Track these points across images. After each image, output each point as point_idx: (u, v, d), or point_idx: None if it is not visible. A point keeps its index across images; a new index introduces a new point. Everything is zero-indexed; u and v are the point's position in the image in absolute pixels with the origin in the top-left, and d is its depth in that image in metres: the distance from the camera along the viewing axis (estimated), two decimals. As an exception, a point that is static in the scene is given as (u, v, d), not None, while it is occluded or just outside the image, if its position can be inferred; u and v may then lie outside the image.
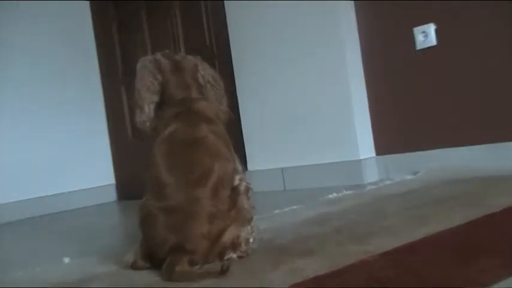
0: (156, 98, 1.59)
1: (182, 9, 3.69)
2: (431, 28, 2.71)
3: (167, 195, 1.42)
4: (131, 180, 4.00)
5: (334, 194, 2.49)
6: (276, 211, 2.25)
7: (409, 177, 2.70)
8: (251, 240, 1.50)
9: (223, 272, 1.28)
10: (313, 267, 1.26)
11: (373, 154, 2.96)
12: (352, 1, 2.96)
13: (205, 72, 1.65)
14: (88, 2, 4.23)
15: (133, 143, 4.05)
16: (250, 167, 3.30)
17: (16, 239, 2.89)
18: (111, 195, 4.14)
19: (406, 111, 2.85)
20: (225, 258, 1.44)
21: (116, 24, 4.12)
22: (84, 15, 4.19)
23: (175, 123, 1.53)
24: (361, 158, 2.91)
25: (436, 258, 1.19)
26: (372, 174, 2.91)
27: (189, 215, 1.39)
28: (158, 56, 1.65)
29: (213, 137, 1.51)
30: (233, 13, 3.33)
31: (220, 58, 3.44)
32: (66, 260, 1.82)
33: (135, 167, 3.97)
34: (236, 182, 1.48)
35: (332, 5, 2.91)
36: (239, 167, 1.55)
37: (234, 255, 1.45)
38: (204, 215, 1.40)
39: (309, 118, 3.05)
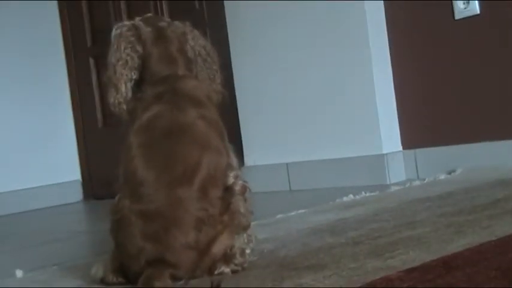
0: (134, 75, 1.58)
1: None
2: (473, -7, 2.71)
3: (145, 195, 1.41)
4: (101, 176, 4.00)
5: (351, 196, 2.50)
6: (279, 216, 2.26)
7: (442, 176, 2.70)
8: (248, 251, 1.50)
9: None
10: (324, 284, 1.27)
11: (400, 148, 2.97)
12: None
13: (196, 42, 1.64)
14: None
15: (104, 130, 4.06)
16: (248, 161, 3.31)
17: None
18: (76, 194, 4.15)
19: (439, 96, 2.85)
20: (216, 272, 1.44)
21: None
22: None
23: (157, 106, 1.52)
24: (384, 152, 2.92)
25: (476, 276, 1.19)
26: (397, 173, 2.92)
27: (171, 221, 1.39)
28: (138, 21, 1.63)
29: (202, 124, 1.50)
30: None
31: (212, 24, 3.44)
32: (19, 273, 1.83)
33: (106, 160, 3.97)
34: (230, 180, 1.48)
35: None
36: (234, 161, 1.55)
37: (227, 269, 1.46)
38: (190, 220, 1.39)
39: (322, 102, 3.05)
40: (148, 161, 1.45)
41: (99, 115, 4.09)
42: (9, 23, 3.98)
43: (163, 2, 3.70)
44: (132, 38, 1.60)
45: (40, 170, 4.00)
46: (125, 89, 1.57)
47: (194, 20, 3.52)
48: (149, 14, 1.70)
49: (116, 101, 1.58)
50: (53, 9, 4.18)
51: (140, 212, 1.41)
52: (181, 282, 1.39)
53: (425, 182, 2.66)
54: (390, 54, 2.97)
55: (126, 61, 1.58)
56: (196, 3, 3.56)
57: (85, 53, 4.13)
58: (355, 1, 2.91)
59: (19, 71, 3.99)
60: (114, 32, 1.63)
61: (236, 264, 1.47)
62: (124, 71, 1.58)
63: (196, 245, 1.40)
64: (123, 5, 3.90)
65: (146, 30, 1.61)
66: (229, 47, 3.33)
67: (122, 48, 1.59)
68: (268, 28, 3.20)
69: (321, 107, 3.06)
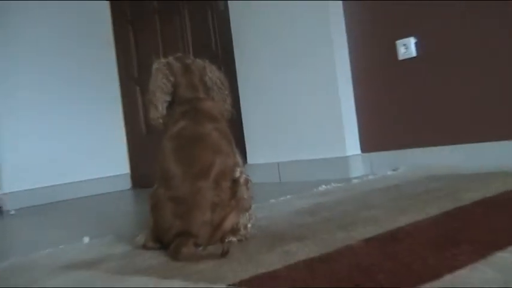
0: (168, 98, 1.59)
1: (191, 18, 3.69)
2: (411, 41, 2.71)
3: (174, 185, 1.42)
4: (144, 170, 4.00)
5: (324, 187, 2.49)
6: (272, 201, 2.25)
7: (389, 172, 2.70)
8: (249, 226, 1.50)
9: (224, 253, 1.29)
10: (304, 251, 1.27)
11: (359, 151, 2.96)
12: (343, 19, 2.95)
13: (213, 74, 1.64)
14: (108, 2, 4.19)
15: (146, 137, 4.05)
16: (250, 160, 3.31)
17: (42, 221, 2.90)
18: (126, 184, 4.14)
19: (389, 113, 2.86)
20: (226, 241, 1.44)
21: (132, 26, 4.10)
22: (103, 16, 4.16)
23: (183, 121, 1.52)
24: (347, 154, 2.91)
25: (414, 245, 1.19)
26: (357, 170, 2.91)
27: (193, 204, 1.39)
28: (171, 59, 1.64)
29: (216, 134, 1.51)
30: (236, 22, 3.33)
31: (225, 62, 3.44)
32: (86, 239, 1.83)
33: (148, 159, 3.97)
34: (237, 174, 1.48)
35: (324, 24, 2.91)
36: (240, 160, 1.55)
37: (234, 239, 1.46)
38: (207, 204, 1.40)
39: (303, 118, 3.06)
40: (177, 161, 1.45)
41: (142, 126, 4.09)
42: (81, 61, 3.98)
43: (189, 44, 3.70)
44: (167, 71, 1.60)
45: (101, 166, 4.00)
46: (161, 108, 1.58)
47: (211, 57, 3.52)
48: (179, 54, 1.70)
49: (155, 117, 1.59)
50: (111, 50, 4.19)
51: (171, 197, 1.41)
52: (201, 249, 1.39)
53: (377, 176, 2.66)
54: (352, 84, 2.97)
55: (162, 88, 1.58)
56: (213, 45, 3.56)
57: (133, 81, 4.13)
58: (327, 52, 2.91)
59: (88, 95, 4.00)
60: (154, 67, 1.63)
61: (241, 235, 1.47)
62: (160, 95, 1.58)
63: (211, 222, 1.40)
64: (160, 45, 3.90)
65: (177, 66, 1.61)
66: (236, 77, 3.33)
67: (159, 78, 1.59)
68: (265, 67, 3.21)
69: (301, 121, 3.06)
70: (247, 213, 1.50)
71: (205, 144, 1.48)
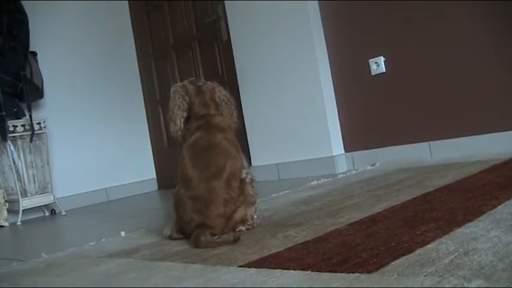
0: (185, 114, 1.58)
1: (201, 50, 3.70)
2: (381, 60, 2.71)
3: (192, 186, 1.42)
4: (167, 175, 4.01)
5: (315, 182, 2.49)
6: (273, 195, 2.26)
7: (368, 167, 2.70)
8: (255, 217, 1.51)
9: (235, 240, 1.29)
10: (301, 235, 1.27)
11: (343, 151, 2.96)
12: (325, 44, 2.95)
13: (221, 93, 1.63)
14: (133, 40, 4.20)
15: (167, 148, 4.06)
16: (253, 163, 3.30)
17: (87, 219, 2.91)
18: (153, 186, 4.14)
19: (366, 119, 2.86)
20: (237, 230, 1.45)
21: (153, 59, 4.12)
22: (130, 51, 4.17)
23: (198, 133, 1.52)
24: (333, 154, 2.91)
25: (390, 226, 1.19)
26: (341, 166, 2.91)
27: (209, 201, 1.40)
28: (186, 82, 1.64)
29: (225, 142, 1.51)
30: (238, 52, 3.33)
31: (229, 83, 3.44)
32: (123, 233, 1.84)
33: (169, 165, 3.97)
34: (243, 175, 1.48)
35: (311, 48, 2.92)
36: (245, 163, 1.55)
37: (243, 228, 1.46)
38: (220, 200, 1.40)
39: (295, 126, 3.05)
40: (194, 165, 1.45)
41: (164, 139, 4.09)
42: (116, 88, 4.00)
43: (200, 71, 3.71)
44: (183, 92, 1.60)
45: (133, 172, 4.00)
46: (179, 123, 1.57)
47: (218, 80, 3.53)
48: (192, 78, 1.70)
49: (174, 130, 1.58)
50: (138, 79, 4.19)
51: (190, 196, 1.41)
52: (216, 237, 1.39)
53: (358, 171, 2.66)
54: (335, 97, 2.96)
55: (180, 106, 1.57)
56: (219, 70, 3.57)
57: (155, 102, 4.14)
58: (313, 72, 2.91)
59: (121, 116, 4.00)
60: (172, 89, 1.63)
61: (249, 225, 1.48)
62: (178, 112, 1.57)
63: (224, 215, 1.41)
64: (176, 74, 3.92)
65: (191, 88, 1.61)
66: (240, 95, 3.33)
67: (177, 98, 1.59)
68: (263, 86, 3.21)
69: (295, 129, 3.06)
70: (253, 207, 1.50)
71: (217, 151, 1.48)
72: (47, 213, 3.40)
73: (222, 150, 1.48)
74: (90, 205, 3.64)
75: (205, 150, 1.48)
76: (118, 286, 1.10)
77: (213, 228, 1.39)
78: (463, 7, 2.36)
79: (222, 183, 1.41)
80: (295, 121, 3.05)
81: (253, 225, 1.49)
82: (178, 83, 1.65)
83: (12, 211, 3.16)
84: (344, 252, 1.02)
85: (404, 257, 0.90)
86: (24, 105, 3.19)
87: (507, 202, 1.21)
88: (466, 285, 0.71)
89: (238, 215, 1.44)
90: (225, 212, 1.40)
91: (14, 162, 3.16)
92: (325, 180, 2.51)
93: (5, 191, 3.20)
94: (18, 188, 3.12)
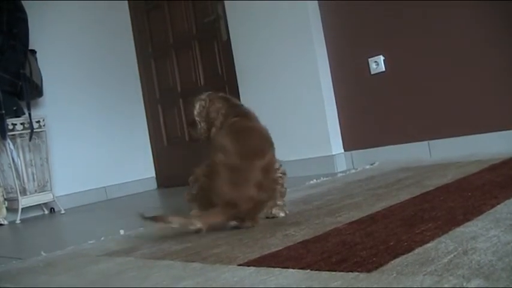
0: (203, 120, 1.66)
1: (201, 49, 3.69)
2: (381, 59, 2.71)
3: (231, 156, 1.41)
4: (166, 173, 4.01)
5: (314, 181, 2.49)
6: (273, 193, 2.25)
7: (367, 166, 2.70)
8: (282, 212, 1.56)
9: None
10: (301, 234, 1.27)
11: (342, 150, 2.96)
12: (324, 44, 2.94)
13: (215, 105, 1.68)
14: (133, 39, 4.20)
15: (167, 147, 4.05)
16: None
17: (86, 218, 2.90)
18: (153, 185, 4.14)
19: (365, 118, 2.86)
20: (271, 215, 1.52)
21: (153, 59, 4.11)
22: (130, 51, 4.16)
23: (234, 119, 1.56)
24: (333, 153, 2.91)
25: (389, 225, 1.19)
26: (341, 165, 2.91)
27: (245, 178, 1.38)
28: (205, 96, 1.69)
29: (265, 130, 1.56)
30: (238, 51, 3.33)
31: (229, 82, 3.45)
32: (122, 232, 1.84)
33: (169, 164, 3.98)
34: (277, 166, 1.52)
35: (310, 47, 2.91)
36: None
37: (282, 214, 1.54)
38: (256, 181, 1.39)
39: (295, 126, 3.05)
40: (234, 140, 1.46)
41: (164, 139, 4.09)
42: (115, 88, 4.00)
43: (200, 70, 3.70)
44: (203, 103, 1.66)
45: (132, 171, 3.99)
46: (200, 126, 1.67)
47: (218, 80, 3.56)
48: (210, 92, 1.73)
49: (199, 132, 1.67)
50: (137, 78, 4.19)
51: (227, 165, 1.39)
52: (234, 222, 1.41)
53: (357, 170, 2.66)
54: (334, 96, 2.97)
55: (199, 113, 1.68)
56: (219, 69, 3.56)
57: (155, 101, 4.13)
58: (313, 72, 2.91)
59: (121, 115, 3.99)
60: (194, 101, 1.69)
61: (284, 212, 1.55)
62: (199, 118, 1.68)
63: (255, 199, 1.40)
64: (176, 73, 3.91)
65: (211, 97, 1.68)
66: (239, 94, 3.33)
67: (197, 107, 1.67)
68: (262, 86, 3.21)
69: (295, 129, 3.06)
70: (282, 200, 1.55)
71: (259, 134, 1.51)
72: (46, 212, 3.40)
73: (264, 135, 1.52)
74: (89, 203, 3.64)
75: (246, 131, 1.51)
76: (117, 285, 1.10)
77: (240, 211, 1.38)
78: (464, 6, 2.36)
79: (263, 164, 1.40)
80: (295, 120, 3.05)
81: (286, 212, 1.55)
82: (201, 96, 1.71)
83: (12, 209, 3.16)
84: (343, 251, 1.02)
85: (404, 256, 0.90)
86: (23, 104, 3.19)
87: (506, 201, 1.21)
88: (465, 284, 0.70)
89: (270, 204, 1.49)
90: (257, 197, 1.39)
91: (13, 161, 3.16)
92: (325, 179, 2.50)
93: (4, 189, 3.20)
94: (17, 186, 3.12)
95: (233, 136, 1.47)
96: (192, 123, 1.68)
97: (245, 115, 1.59)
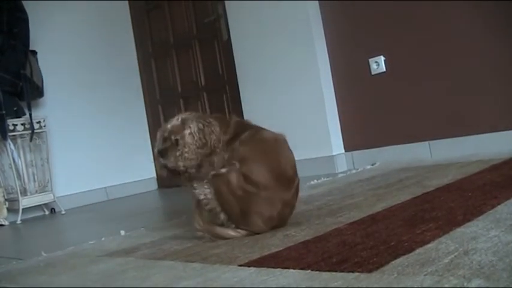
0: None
1: (201, 49, 3.69)
2: (381, 59, 2.71)
3: (268, 191, 1.35)
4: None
5: (315, 181, 2.49)
6: (273, 194, 2.25)
7: (368, 167, 2.70)
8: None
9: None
10: (301, 234, 1.27)
11: (343, 151, 2.96)
12: (325, 44, 2.95)
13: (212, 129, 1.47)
14: (133, 39, 4.20)
15: (168, 147, 4.05)
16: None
17: (87, 218, 2.90)
18: (153, 185, 4.14)
19: (366, 119, 2.85)
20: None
21: (153, 58, 4.11)
22: (130, 50, 4.17)
23: (244, 134, 1.45)
24: (333, 154, 2.91)
25: (390, 225, 1.19)
26: (341, 166, 2.91)
27: (290, 212, 1.42)
28: (209, 118, 1.48)
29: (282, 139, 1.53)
30: (238, 51, 3.33)
31: (229, 82, 3.45)
32: (123, 232, 1.84)
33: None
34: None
35: (311, 47, 2.91)
36: None
37: None
38: (291, 206, 1.42)
39: (296, 126, 3.04)
40: (265, 165, 1.41)
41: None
42: (115, 88, 4.00)
43: (200, 70, 3.70)
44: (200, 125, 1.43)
45: (133, 171, 3.99)
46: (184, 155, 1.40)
47: (218, 80, 3.55)
48: (217, 115, 1.56)
49: (182, 164, 1.40)
50: (138, 78, 4.19)
51: (266, 197, 1.35)
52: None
53: (358, 170, 2.66)
54: (335, 97, 2.96)
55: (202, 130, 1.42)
56: (219, 69, 3.56)
57: (155, 101, 4.13)
58: (314, 73, 2.91)
59: (121, 115, 4.00)
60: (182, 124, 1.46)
61: None
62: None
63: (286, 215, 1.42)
64: (176, 72, 3.91)
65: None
66: (240, 95, 3.33)
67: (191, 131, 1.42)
68: (263, 87, 3.21)
69: (296, 130, 3.03)
70: None
71: (283, 146, 1.51)
72: (47, 212, 3.40)
73: (286, 149, 1.51)
74: (89, 204, 3.64)
75: (268, 144, 1.47)
76: (118, 285, 1.10)
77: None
78: (464, 7, 2.36)
79: (291, 194, 1.41)
80: (295, 120, 3.04)
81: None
82: (209, 117, 1.48)
83: (12, 210, 3.16)
84: (344, 251, 1.02)
85: (404, 257, 0.90)
86: (24, 104, 3.19)
87: (507, 202, 1.21)
88: (465, 284, 0.70)
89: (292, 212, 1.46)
90: (288, 212, 1.42)
91: (14, 161, 3.16)
92: (325, 179, 2.50)
93: (5, 189, 3.20)
94: (18, 186, 3.12)
95: (262, 158, 1.40)
96: (163, 152, 1.41)
97: (251, 127, 1.50)
